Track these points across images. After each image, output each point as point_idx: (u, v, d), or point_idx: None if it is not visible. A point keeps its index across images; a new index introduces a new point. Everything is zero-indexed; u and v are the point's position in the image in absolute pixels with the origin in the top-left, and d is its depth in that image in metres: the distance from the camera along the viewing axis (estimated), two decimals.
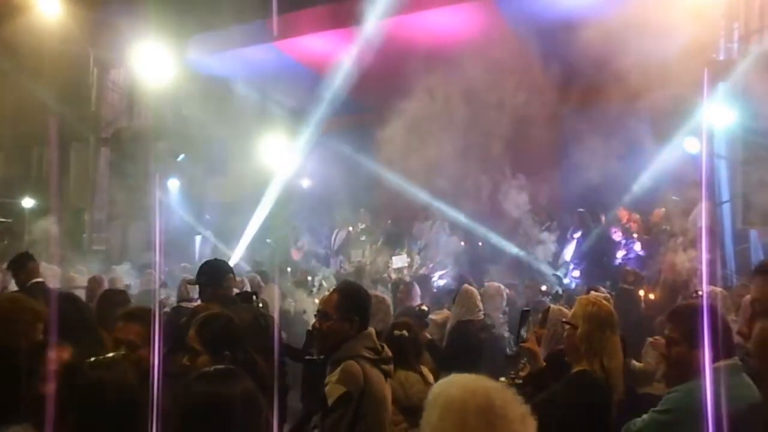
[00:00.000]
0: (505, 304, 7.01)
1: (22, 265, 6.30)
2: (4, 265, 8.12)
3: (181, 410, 2.08)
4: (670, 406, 2.90)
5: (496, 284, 7.21)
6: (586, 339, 3.31)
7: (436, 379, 4.64)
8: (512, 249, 11.55)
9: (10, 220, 15.86)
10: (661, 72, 8.54)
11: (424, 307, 5.93)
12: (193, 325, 3.18)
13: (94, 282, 8.65)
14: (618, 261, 10.66)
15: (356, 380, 3.27)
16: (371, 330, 3.54)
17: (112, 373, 2.19)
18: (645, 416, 3.01)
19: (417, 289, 7.75)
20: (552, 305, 5.02)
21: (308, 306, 9.16)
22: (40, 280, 6.26)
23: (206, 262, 4.90)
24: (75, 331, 3.53)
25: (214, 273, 4.67)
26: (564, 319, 3.66)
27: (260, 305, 4.97)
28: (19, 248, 9.65)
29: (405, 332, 4.45)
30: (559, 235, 11.76)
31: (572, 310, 3.53)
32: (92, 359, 2.30)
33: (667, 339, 2.91)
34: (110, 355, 2.46)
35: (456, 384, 1.47)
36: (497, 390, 1.47)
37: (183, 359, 3.05)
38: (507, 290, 7.57)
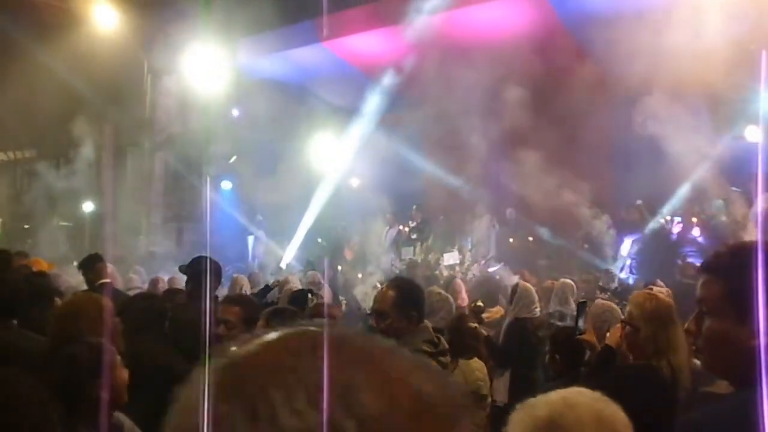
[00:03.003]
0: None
1: (92, 265, 6.49)
2: (68, 267, 8.42)
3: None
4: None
5: (569, 281, 7.10)
6: (653, 340, 3.15)
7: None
8: (568, 244, 11.37)
9: (71, 224, 16.38)
10: (720, 57, 8.27)
11: (480, 303, 5.88)
12: (262, 317, 3.39)
13: (152, 283, 8.87)
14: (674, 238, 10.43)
15: None
16: (427, 323, 3.50)
17: None
18: None
19: (461, 285, 7.71)
20: (597, 300, 4.98)
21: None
22: (107, 280, 6.44)
23: (196, 258, 5.01)
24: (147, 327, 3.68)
25: (197, 269, 4.78)
26: (623, 318, 3.55)
27: (315, 302, 5.01)
28: (80, 252, 9.95)
29: (477, 324, 4.57)
30: (616, 229, 11.53)
31: (628, 310, 3.40)
32: None
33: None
34: None
35: (543, 398, 1.39)
36: (567, 405, 1.34)
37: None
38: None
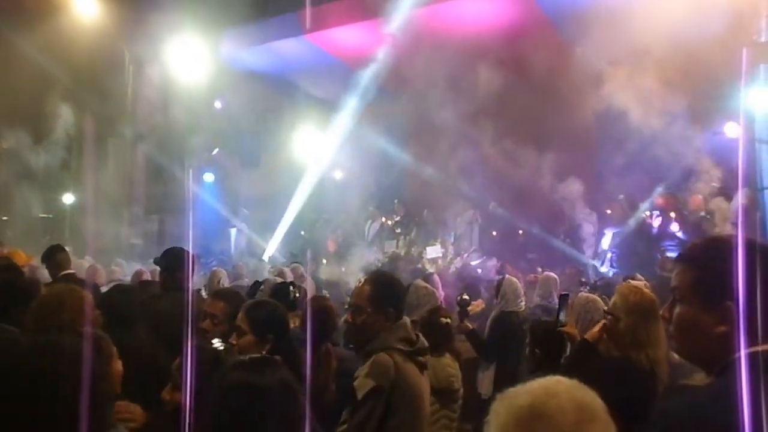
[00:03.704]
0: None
1: (51, 257, 6.44)
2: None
3: (217, 398, 2.10)
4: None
5: (552, 274, 7.17)
6: (632, 331, 3.21)
7: (460, 366, 4.77)
8: (551, 238, 11.44)
9: (51, 216, 16.21)
10: (700, 54, 8.35)
11: (465, 297, 5.89)
12: (242, 308, 3.29)
13: (136, 275, 8.81)
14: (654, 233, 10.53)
15: (387, 374, 3.11)
16: (406, 320, 3.38)
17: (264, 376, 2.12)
18: None
19: (437, 280, 7.73)
20: (581, 293, 5.02)
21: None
22: (71, 271, 6.39)
23: (169, 250, 4.93)
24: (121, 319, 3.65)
25: (171, 261, 4.72)
26: (605, 309, 3.59)
27: (297, 295, 4.99)
28: (60, 243, 9.82)
29: (449, 320, 4.59)
30: (597, 223, 11.63)
31: (612, 300, 3.44)
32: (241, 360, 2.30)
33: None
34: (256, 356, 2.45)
35: (523, 388, 1.40)
36: (548, 393, 1.35)
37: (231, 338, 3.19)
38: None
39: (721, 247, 1.66)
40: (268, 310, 3.29)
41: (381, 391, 3.07)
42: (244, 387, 2.06)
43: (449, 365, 4.49)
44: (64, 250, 6.61)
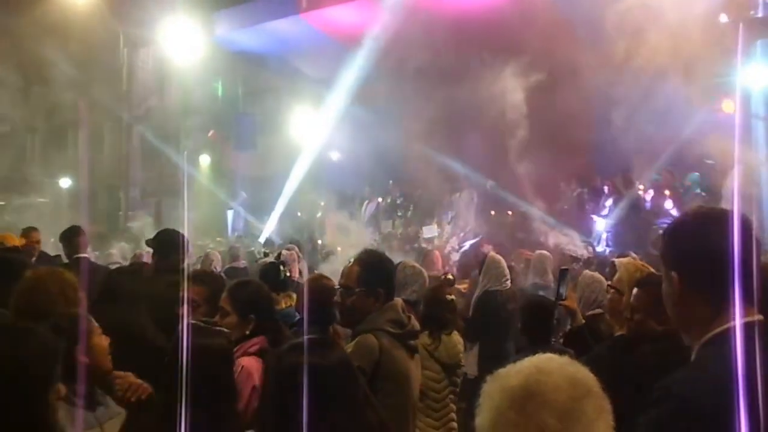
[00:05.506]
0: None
1: (69, 238, 6.40)
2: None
3: (276, 381, 2.09)
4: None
5: (546, 252, 7.13)
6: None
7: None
8: (544, 217, 11.40)
9: (47, 200, 16.21)
10: (697, 29, 8.28)
11: (450, 276, 5.85)
12: (226, 289, 3.29)
13: (137, 259, 8.81)
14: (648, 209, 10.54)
15: (369, 355, 3.05)
16: (397, 301, 3.31)
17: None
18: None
19: (438, 256, 7.71)
20: (586, 270, 5.02)
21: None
22: (84, 255, 6.34)
23: (161, 232, 4.89)
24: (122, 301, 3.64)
25: (163, 243, 4.66)
26: (609, 283, 3.60)
27: (288, 274, 4.99)
28: (57, 228, 9.79)
29: (454, 297, 4.66)
30: (592, 202, 11.59)
31: (617, 275, 3.44)
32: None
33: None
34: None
35: (514, 368, 1.39)
36: (541, 372, 1.33)
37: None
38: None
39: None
40: (250, 290, 3.28)
41: (362, 372, 2.97)
42: (300, 368, 2.05)
43: (459, 343, 4.53)
44: (82, 233, 6.49)
